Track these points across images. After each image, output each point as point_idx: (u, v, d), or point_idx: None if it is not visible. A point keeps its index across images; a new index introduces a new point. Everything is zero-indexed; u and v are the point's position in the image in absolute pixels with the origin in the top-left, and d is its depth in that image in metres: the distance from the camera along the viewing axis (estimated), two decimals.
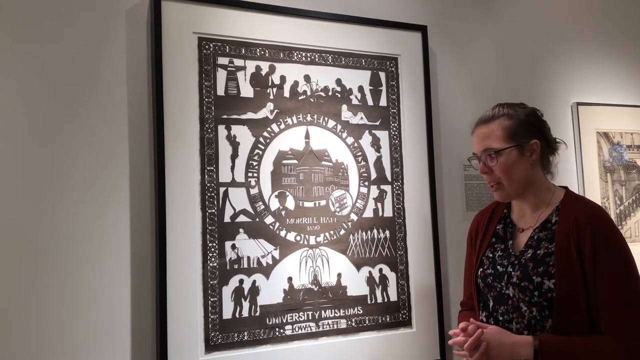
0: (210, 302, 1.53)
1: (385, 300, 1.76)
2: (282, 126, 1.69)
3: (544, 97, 2.19)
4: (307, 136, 1.72)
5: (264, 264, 1.61)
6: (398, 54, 1.88)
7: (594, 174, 2.22)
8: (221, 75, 1.62)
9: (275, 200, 1.65)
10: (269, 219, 1.64)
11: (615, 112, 2.30)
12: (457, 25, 2.05)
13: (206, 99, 1.60)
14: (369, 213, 1.77)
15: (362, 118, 1.81)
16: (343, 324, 1.70)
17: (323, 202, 1.72)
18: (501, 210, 1.53)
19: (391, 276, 1.78)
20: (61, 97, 1.46)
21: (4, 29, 1.41)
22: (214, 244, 1.56)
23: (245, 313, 1.57)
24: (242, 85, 1.65)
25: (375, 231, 1.78)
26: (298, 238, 1.67)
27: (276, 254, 1.63)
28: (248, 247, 1.60)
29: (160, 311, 1.46)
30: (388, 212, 1.81)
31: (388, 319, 1.76)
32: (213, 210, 1.57)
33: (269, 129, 1.67)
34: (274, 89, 1.69)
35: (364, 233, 1.76)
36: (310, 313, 1.66)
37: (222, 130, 1.60)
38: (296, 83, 1.72)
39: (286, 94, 1.70)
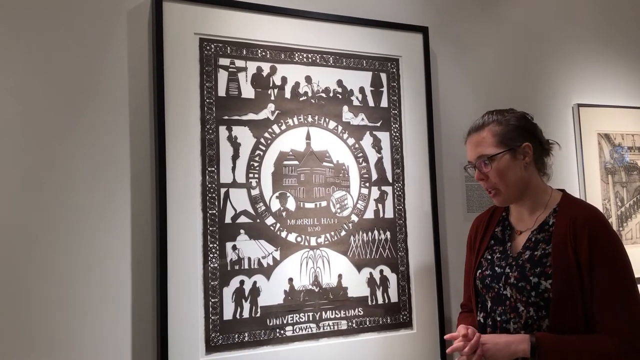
0: (210, 302, 1.53)
1: (386, 301, 1.76)
2: (283, 127, 1.69)
3: (545, 99, 2.19)
4: (308, 137, 1.73)
5: (265, 265, 1.61)
6: (399, 55, 1.88)
7: (595, 176, 2.22)
8: (222, 76, 1.62)
9: (276, 201, 1.65)
10: (269, 220, 1.64)
11: (617, 114, 2.29)
12: (459, 27, 2.05)
13: (207, 100, 1.60)
14: (369, 214, 1.77)
15: (363, 119, 1.81)
16: (344, 325, 1.69)
17: (324, 203, 1.72)
18: (499, 213, 1.56)
19: (392, 277, 1.78)
20: (62, 98, 1.46)
21: (5, 29, 1.41)
22: (215, 245, 1.56)
23: (245, 314, 1.57)
24: (243, 86, 1.65)
25: (376, 232, 1.78)
26: (299, 239, 1.67)
27: (277, 255, 1.63)
28: (249, 248, 1.60)
29: (161, 312, 1.46)
30: (389, 213, 1.80)
31: (389, 320, 1.76)
32: (214, 211, 1.57)
33: (270, 129, 1.67)
34: (275, 90, 1.69)
35: (364, 234, 1.76)
36: (311, 314, 1.65)
37: (223, 131, 1.61)
38: (297, 84, 1.72)
39: (287, 95, 1.70)
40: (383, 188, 1.81)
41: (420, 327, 1.79)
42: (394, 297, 1.78)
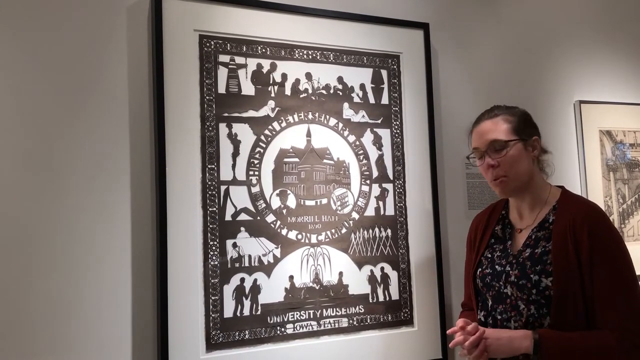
0: (211, 300, 1.53)
1: (387, 299, 1.76)
2: (284, 124, 1.69)
3: (546, 95, 2.18)
4: (308, 134, 1.72)
5: (265, 263, 1.61)
6: (400, 51, 1.88)
7: (597, 173, 2.21)
8: (222, 73, 1.62)
9: (276, 198, 1.65)
10: (270, 218, 1.63)
11: (618, 110, 2.29)
12: (460, 23, 2.05)
13: (207, 97, 1.59)
14: (370, 211, 1.77)
15: (363, 116, 1.80)
16: (344, 322, 1.69)
17: (324, 201, 1.71)
18: (499, 211, 1.55)
19: (393, 275, 1.78)
20: (62, 95, 1.45)
21: (4, 27, 1.41)
22: (215, 243, 1.55)
23: (246, 312, 1.57)
24: (244, 83, 1.64)
25: (376, 230, 1.77)
26: (299, 236, 1.67)
27: (277, 253, 1.63)
28: (249, 246, 1.59)
29: (161, 310, 1.46)
30: (390, 211, 1.80)
31: (390, 318, 1.76)
32: (214, 209, 1.56)
33: (270, 127, 1.67)
34: (275, 87, 1.68)
35: (365, 231, 1.75)
36: (311, 312, 1.65)
37: (223, 128, 1.60)
38: (297, 81, 1.71)
39: (287, 92, 1.70)
40: (384, 185, 1.80)
41: (421, 324, 1.79)
42: (394, 295, 1.77)
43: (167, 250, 1.48)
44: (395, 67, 1.87)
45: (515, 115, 1.45)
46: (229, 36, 1.63)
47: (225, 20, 1.63)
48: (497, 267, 1.44)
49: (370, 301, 1.73)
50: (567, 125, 2.21)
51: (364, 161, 1.78)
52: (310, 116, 1.73)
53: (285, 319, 1.62)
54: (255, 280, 1.59)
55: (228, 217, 1.58)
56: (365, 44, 1.82)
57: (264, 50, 1.68)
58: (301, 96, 1.72)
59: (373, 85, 1.83)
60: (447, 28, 2.02)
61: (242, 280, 1.57)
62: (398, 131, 1.85)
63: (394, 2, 1.93)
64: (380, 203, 1.79)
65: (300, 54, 1.73)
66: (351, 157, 1.77)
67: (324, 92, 1.75)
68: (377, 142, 1.81)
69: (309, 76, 1.73)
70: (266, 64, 1.68)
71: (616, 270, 1.30)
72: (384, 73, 1.85)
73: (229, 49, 1.63)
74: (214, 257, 1.55)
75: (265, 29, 1.68)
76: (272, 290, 1.61)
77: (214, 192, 1.57)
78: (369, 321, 1.72)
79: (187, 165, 1.54)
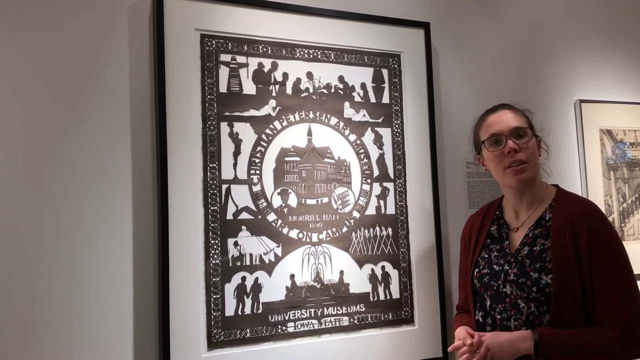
0: (212, 299, 1.53)
1: (388, 297, 1.76)
2: (285, 123, 1.69)
3: (547, 94, 2.19)
4: (309, 133, 1.72)
5: (267, 261, 1.61)
6: (401, 51, 1.88)
7: (597, 172, 2.21)
8: (223, 72, 1.62)
9: (277, 197, 1.65)
10: (271, 216, 1.64)
11: (619, 110, 2.29)
12: (460, 23, 2.05)
13: (208, 96, 1.59)
14: (371, 210, 1.77)
15: (364, 115, 1.80)
16: (345, 321, 1.69)
17: (325, 200, 1.71)
18: (493, 212, 1.56)
19: (394, 274, 1.78)
20: (63, 94, 1.45)
21: (5, 26, 1.41)
22: (217, 241, 1.56)
23: (247, 310, 1.57)
24: (245, 82, 1.64)
25: (377, 228, 1.78)
26: (300, 235, 1.67)
27: (278, 251, 1.63)
28: (250, 244, 1.60)
29: (163, 308, 1.46)
30: (390, 210, 1.80)
31: (390, 317, 1.76)
32: (215, 208, 1.57)
33: (271, 126, 1.67)
34: (277, 86, 1.69)
35: (366, 230, 1.76)
36: (312, 310, 1.65)
37: (224, 127, 1.60)
38: (299, 80, 1.72)
39: (288, 91, 1.70)
40: (385, 184, 1.81)
41: (422, 323, 1.79)
42: (395, 294, 1.78)
43: (168, 249, 1.48)
44: (396, 66, 1.87)
45: (526, 115, 1.51)
46: (231, 35, 1.64)
47: (226, 19, 1.63)
48: (495, 266, 1.44)
49: (371, 300, 1.74)
50: (568, 124, 2.21)
51: (365, 160, 1.79)
52: (311, 115, 1.73)
53: (287, 318, 1.62)
54: (257, 278, 1.59)
55: (229, 216, 1.58)
56: (366, 44, 1.82)
57: (265, 49, 1.68)
58: (302, 95, 1.72)
59: (374, 85, 1.83)
60: (447, 27, 2.02)
61: (244, 278, 1.58)
62: (399, 130, 1.85)
63: (395, 2, 1.94)
64: (381, 202, 1.79)
65: (302, 53, 1.73)
66: (352, 156, 1.77)
67: (325, 91, 1.75)
68: (378, 141, 1.81)
69: (310, 75, 1.73)
70: (267, 63, 1.68)
71: (615, 267, 1.31)
72: (385, 72, 1.85)
73: (230, 48, 1.63)
74: (215, 256, 1.55)
75: (266, 28, 1.68)
76: (273, 289, 1.61)
77: (215, 191, 1.57)
78: (369, 320, 1.73)
79: (189, 164, 1.54)
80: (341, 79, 1.78)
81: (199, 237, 1.53)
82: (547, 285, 1.32)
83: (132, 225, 1.49)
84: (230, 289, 1.56)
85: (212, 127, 1.59)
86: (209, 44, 1.61)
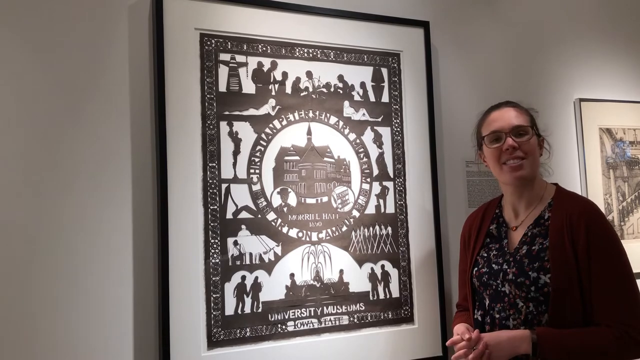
0: (212, 298, 1.53)
1: (388, 296, 1.76)
2: (284, 122, 1.69)
3: (546, 93, 2.19)
4: (309, 132, 1.72)
5: (266, 261, 1.61)
6: (400, 50, 1.88)
7: (597, 170, 2.21)
8: (223, 71, 1.62)
9: (277, 196, 1.65)
10: (271, 216, 1.64)
11: (618, 108, 2.29)
12: (460, 21, 2.05)
13: (208, 96, 1.59)
14: (371, 209, 1.77)
15: (364, 114, 1.80)
16: (345, 320, 1.70)
17: (325, 199, 1.72)
18: (492, 210, 1.56)
19: (393, 272, 1.78)
20: (63, 94, 1.46)
21: (4, 26, 1.41)
22: (216, 241, 1.56)
23: (247, 309, 1.57)
24: (244, 82, 1.64)
25: (377, 227, 1.78)
26: (300, 234, 1.67)
27: (278, 251, 1.63)
28: (250, 244, 1.60)
29: (163, 307, 1.46)
30: (390, 209, 1.80)
31: (390, 316, 1.76)
32: (215, 207, 1.57)
33: (270, 125, 1.67)
34: (276, 85, 1.69)
35: (366, 229, 1.76)
36: (312, 309, 1.66)
37: (224, 126, 1.60)
38: (298, 79, 1.72)
39: (288, 90, 1.70)
40: (384, 183, 1.81)
41: (421, 322, 1.80)
42: (395, 292, 1.78)
43: (168, 249, 1.48)
44: (395, 65, 1.87)
45: (530, 114, 1.50)
46: (230, 34, 1.64)
47: (226, 18, 1.63)
48: (493, 265, 1.44)
49: (371, 299, 1.74)
50: (567, 123, 2.21)
51: (365, 159, 1.79)
52: (310, 114, 1.73)
53: (286, 317, 1.62)
54: (256, 278, 1.59)
55: (229, 215, 1.58)
56: (366, 42, 1.82)
57: (264, 48, 1.68)
58: (302, 94, 1.72)
59: (373, 84, 1.83)
60: (447, 26, 2.02)
61: (243, 278, 1.58)
62: (398, 129, 1.85)
63: (394, 1, 1.93)
64: (381, 201, 1.79)
65: (301, 52, 1.73)
66: (352, 155, 1.77)
67: (324, 90, 1.75)
68: (378, 140, 1.81)
69: (309, 74, 1.74)
70: (267, 62, 1.68)
71: (613, 266, 1.31)
72: (385, 71, 1.85)
73: (229, 47, 1.64)
74: (215, 255, 1.55)
75: (266, 27, 1.68)
76: (273, 288, 1.61)
77: (215, 190, 1.57)
78: (369, 319, 1.73)
79: (188, 164, 1.54)
80: (341, 78, 1.78)
81: (199, 237, 1.53)
82: (546, 284, 1.32)
83: (132, 225, 1.49)
84: (230, 288, 1.56)
85: (211, 127, 1.59)
86: (209, 43, 1.61)
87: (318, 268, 1.68)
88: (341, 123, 1.77)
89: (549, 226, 1.38)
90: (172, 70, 1.55)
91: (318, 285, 1.67)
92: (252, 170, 1.63)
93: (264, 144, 1.66)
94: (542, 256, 1.35)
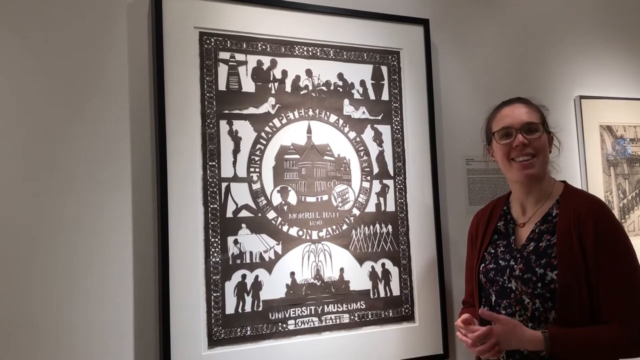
0: (213, 297, 1.53)
1: (388, 294, 1.76)
2: (284, 121, 1.69)
3: (546, 90, 2.18)
4: (309, 131, 1.72)
5: (267, 259, 1.61)
6: (400, 47, 1.88)
7: (597, 168, 2.21)
8: (222, 70, 1.62)
9: (277, 195, 1.65)
10: (271, 214, 1.64)
11: (619, 106, 2.28)
12: (459, 19, 2.04)
13: (208, 94, 1.59)
14: (371, 208, 1.77)
15: (364, 112, 1.80)
16: (346, 318, 1.70)
17: (325, 197, 1.71)
18: (500, 207, 1.55)
19: (394, 271, 1.78)
20: (62, 93, 1.45)
21: (4, 26, 1.41)
22: (217, 239, 1.56)
23: (247, 308, 1.57)
24: (244, 80, 1.64)
25: (377, 226, 1.77)
26: (300, 233, 1.67)
27: (278, 249, 1.63)
28: (250, 242, 1.60)
29: (163, 306, 1.46)
30: (390, 207, 1.80)
31: (391, 314, 1.76)
32: (215, 206, 1.57)
33: (270, 123, 1.67)
34: (276, 84, 1.68)
35: (366, 228, 1.76)
36: (313, 308, 1.66)
37: (223, 125, 1.60)
38: (298, 77, 1.72)
39: (288, 88, 1.70)
40: (384, 181, 1.80)
41: (422, 320, 1.80)
42: (396, 291, 1.78)
43: (168, 248, 1.48)
44: (395, 63, 1.87)
45: (540, 111, 1.50)
46: (229, 33, 1.63)
47: (225, 17, 1.63)
48: (500, 261, 1.44)
49: (372, 297, 1.74)
50: (568, 120, 2.21)
51: (365, 157, 1.79)
52: (310, 113, 1.73)
53: (287, 315, 1.62)
54: (257, 276, 1.59)
55: (229, 214, 1.58)
56: (365, 40, 1.82)
57: (264, 47, 1.68)
58: (301, 93, 1.72)
59: (373, 82, 1.83)
60: (447, 24, 2.01)
61: (244, 276, 1.58)
62: (398, 127, 1.85)
63: None
64: (381, 199, 1.79)
65: (301, 50, 1.73)
66: (352, 154, 1.77)
67: (324, 88, 1.75)
68: (378, 138, 1.81)
69: (309, 73, 1.73)
70: (266, 60, 1.68)
71: (621, 263, 1.31)
72: (384, 69, 1.85)
73: (229, 46, 1.63)
74: (215, 254, 1.55)
75: (265, 25, 1.68)
76: (274, 287, 1.61)
77: (214, 189, 1.57)
78: (370, 317, 1.73)
79: (188, 163, 1.54)
80: (340, 76, 1.78)
81: (199, 235, 1.53)
82: (552, 281, 1.31)
83: (132, 224, 1.49)
84: (230, 286, 1.56)
85: (211, 125, 1.59)
86: (208, 41, 1.61)
87: (318, 266, 1.68)
88: (341, 121, 1.76)
89: (557, 223, 1.37)
90: (172, 69, 1.54)
91: (318, 284, 1.67)
92: (252, 169, 1.63)
93: (264, 142, 1.65)
94: (549, 253, 1.34)
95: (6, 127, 1.39)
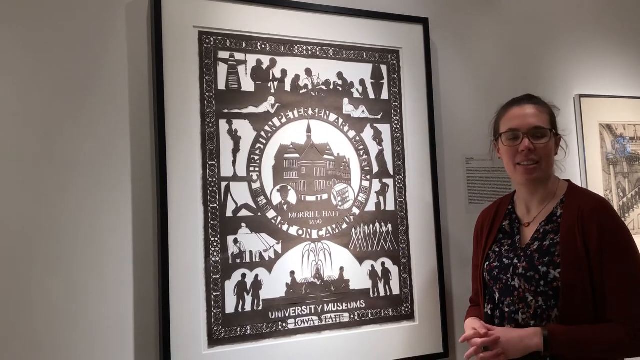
0: (212, 296, 1.53)
1: (388, 293, 1.76)
2: (284, 120, 1.69)
3: (546, 89, 2.17)
4: (308, 130, 1.72)
5: (267, 258, 1.61)
6: (399, 47, 1.87)
7: (597, 166, 2.21)
8: (222, 69, 1.62)
9: (277, 194, 1.65)
10: (271, 213, 1.64)
11: (618, 104, 2.28)
12: (459, 18, 2.04)
13: (207, 94, 1.59)
14: (371, 207, 1.77)
15: (363, 111, 1.80)
16: (346, 317, 1.70)
17: (325, 196, 1.71)
18: (506, 206, 1.55)
19: (394, 270, 1.78)
20: (62, 92, 1.45)
21: (3, 25, 1.41)
22: (216, 239, 1.56)
23: (247, 307, 1.57)
24: (243, 79, 1.64)
25: (377, 225, 1.78)
26: (300, 232, 1.67)
27: (278, 248, 1.63)
28: (250, 242, 1.60)
29: (163, 306, 1.46)
30: (390, 206, 1.80)
31: (391, 313, 1.76)
32: (215, 205, 1.57)
33: (270, 123, 1.67)
34: (275, 83, 1.68)
35: (366, 227, 1.76)
36: (312, 307, 1.66)
37: (223, 124, 1.60)
38: (297, 77, 1.71)
39: (287, 87, 1.70)
40: (384, 180, 1.80)
41: (422, 319, 1.80)
42: (395, 290, 1.78)
43: (168, 247, 1.48)
44: (395, 62, 1.87)
45: (550, 112, 1.48)
46: (229, 32, 1.63)
47: (224, 16, 1.63)
48: (504, 260, 1.44)
49: (372, 296, 1.74)
50: (567, 119, 2.21)
51: (364, 156, 1.79)
52: (310, 112, 1.73)
53: (287, 314, 1.62)
54: (257, 275, 1.59)
55: (229, 213, 1.58)
56: (365, 40, 1.82)
57: (263, 46, 1.68)
58: (301, 92, 1.72)
59: (373, 81, 1.83)
60: (446, 23, 2.01)
61: (244, 276, 1.58)
62: (398, 126, 1.85)
63: None
64: (381, 198, 1.79)
65: (300, 49, 1.73)
66: (351, 153, 1.77)
67: (323, 87, 1.75)
68: (377, 137, 1.81)
69: (308, 72, 1.73)
70: (266, 60, 1.68)
71: (625, 262, 1.31)
72: (384, 68, 1.85)
73: (228, 45, 1.63)
74: (215, 253, 1.55)
75: (264, 25, 1.68)
76: (274, 286, 1.61)
77: (214, 189, 1.57)
78: (370, 316, 1.73)
79: (188, 162, 1.54)
80: (340, 75, 1.78)
81: (199, 235, 1.53)
82: (555, 279, 1.31)
83: (132, 223, 1.49)
84: (230, 286, 1.56)
85: (211, 125, 1.59)
86: (207, 41, 1.61)
87: (318, 266, 1.68)
88: (341, 120, 1.76)
89: (561, 222, 1.38)
90: (171, 69, 1.54)
91: (318, 283, 1.67)
92: (251, 168, 1.63)
93: (264, 141, 1.65)
94: (552, 251, 1.35)
95: (6, 127, 1.39)
